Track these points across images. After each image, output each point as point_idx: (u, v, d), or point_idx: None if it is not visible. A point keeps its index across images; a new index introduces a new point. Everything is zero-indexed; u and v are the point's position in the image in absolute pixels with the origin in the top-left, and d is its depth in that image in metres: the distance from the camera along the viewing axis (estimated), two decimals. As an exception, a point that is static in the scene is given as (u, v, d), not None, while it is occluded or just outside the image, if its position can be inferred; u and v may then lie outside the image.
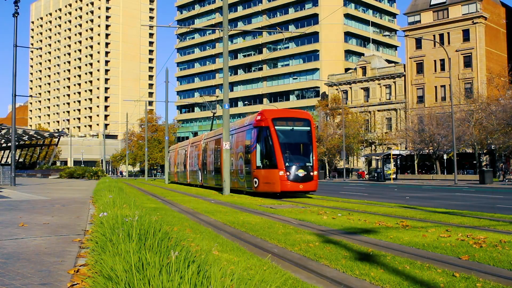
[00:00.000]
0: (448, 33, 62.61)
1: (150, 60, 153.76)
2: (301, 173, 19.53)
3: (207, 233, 8.32)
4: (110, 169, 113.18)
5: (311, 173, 19.81)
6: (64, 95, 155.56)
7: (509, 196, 22.42)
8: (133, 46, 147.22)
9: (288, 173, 19.35)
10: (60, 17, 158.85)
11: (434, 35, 62.88)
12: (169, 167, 48.31)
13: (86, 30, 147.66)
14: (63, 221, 8.68)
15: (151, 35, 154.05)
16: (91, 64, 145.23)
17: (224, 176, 21.90)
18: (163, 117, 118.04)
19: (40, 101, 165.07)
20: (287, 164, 19.46)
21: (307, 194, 21.13)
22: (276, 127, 20.00)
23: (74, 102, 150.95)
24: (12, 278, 4.11)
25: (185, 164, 38.94)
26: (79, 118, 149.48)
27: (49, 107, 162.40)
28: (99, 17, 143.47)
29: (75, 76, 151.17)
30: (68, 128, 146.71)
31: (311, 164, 20.01)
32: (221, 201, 17.17)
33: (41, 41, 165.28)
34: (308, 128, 20.82)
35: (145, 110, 67.16)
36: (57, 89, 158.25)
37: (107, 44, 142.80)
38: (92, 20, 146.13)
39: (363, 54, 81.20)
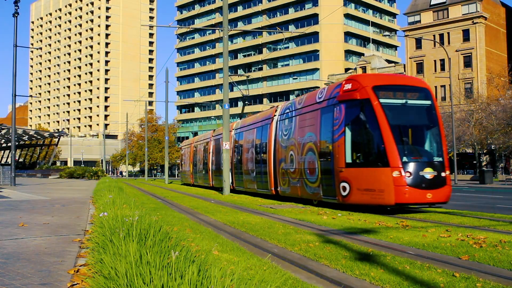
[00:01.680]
0: (448, 33, 62.61)
1: (150, 60, 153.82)
2: (429, 173, 12.26)
3: (207, 233, 8.32)
4: (110, 169, 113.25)
5: (442, 174, 12.50)
6: (64, 95, 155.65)
7: (509, 196, 22.42)
8: (133, 46, 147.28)
9: (408, 174, 12.08)
10: (60, 17, 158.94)
11: (434, 35, 62.89)
12: (181, 166, 43.22)
13: (86, 30, 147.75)
14: (63, 221, 8.68)
15: (151, 35, 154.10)
16: (91, 64, 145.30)
17: (224, 176, 21.71)
18: (163, 117, 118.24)
19: (40, 101, 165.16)
20: (404, 159, 12.24)
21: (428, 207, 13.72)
22: (381, 101, 12.82)
23: (74, 102, 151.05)
24: (12, 278, 4.11)
25: (207, 162, 31.74)
26: (79, 118, 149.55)
27: (49, 107, 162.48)
28: (99, 17, 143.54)
29: (75, 76, 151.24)
30: (68, 128, 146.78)
31: (441, 159, 12.75)
32: (221, 201, 17.17)
33: (41, 41, 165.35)
34: (429, 102, 13.63)
35: (145, 110, 67.18)
36: (57, 89, 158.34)
37: (107, 44, 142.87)
38: (92, 20, 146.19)
39: (363, 54, 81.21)
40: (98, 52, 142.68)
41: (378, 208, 12.97)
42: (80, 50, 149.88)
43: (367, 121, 13.11)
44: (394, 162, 12.18)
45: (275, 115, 19.49)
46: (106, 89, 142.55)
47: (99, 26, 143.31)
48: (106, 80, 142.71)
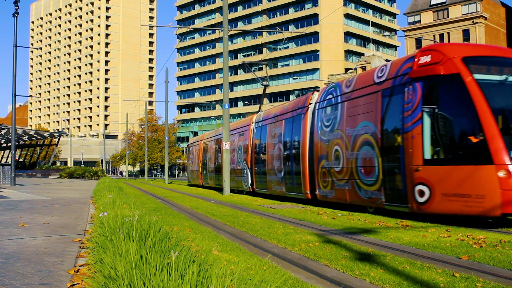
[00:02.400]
0: (448, 33, 62.65)
1: (150, 60, 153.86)
2: None
3: (207, 233, 8.32)
4: (110, 169, 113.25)
5: None
6: (64, 95, 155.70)
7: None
8: (133, 46, 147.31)
9: None
10: (60, 17, 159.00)
11: (434, 35, 62.92)
12: (188, 166, 39.93)
13: (86, 30, 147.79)
14: (63, 221, 8.68)
15: (151, 35, 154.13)
16: (91, 64, 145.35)
17: (224, 176, 21.66)
18: (163, 117, 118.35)
19: (40, 101, 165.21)
20: None
21: None
22: (475, 76, 9.66)
23: (74, 102, 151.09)
24: (12, 278, 4.11)
25: (220, 161, 27.51)
26: (79, 118, 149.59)
27: (49, 107, 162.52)
28: (99, 17, 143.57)
29: (75, 76, 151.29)
30: (68, 128, 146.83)
31: None
32: (221, 201, 17.16)
33: (41, 41, 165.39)
34: None
35: (145, 110, 67.17)
36: (57, 89, 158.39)
37: (107, 44, 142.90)
38: (92, 20, 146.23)
39: (363, 54, 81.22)
40: (98, 52, 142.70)
41: (475, 219, 10.07)
42: (80, 50, 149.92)
43: (457, 103, 9.97)
44: (499, 158, 9.01)
45: (310, 103, 16.13)
46: (106, 89, 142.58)
47: (99, 26, 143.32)
48: (106, 80, 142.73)
